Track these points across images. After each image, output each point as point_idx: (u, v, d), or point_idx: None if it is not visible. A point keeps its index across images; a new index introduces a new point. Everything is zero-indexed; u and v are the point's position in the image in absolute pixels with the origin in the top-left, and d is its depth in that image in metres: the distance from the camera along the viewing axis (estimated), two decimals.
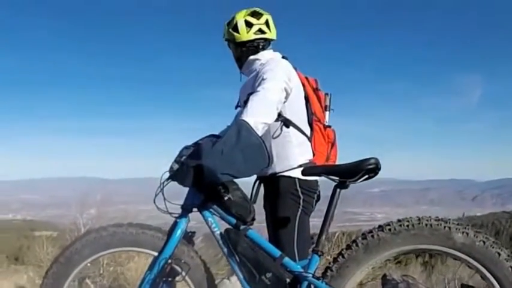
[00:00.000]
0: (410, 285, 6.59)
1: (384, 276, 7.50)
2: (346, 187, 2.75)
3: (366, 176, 2.73)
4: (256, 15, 3.39)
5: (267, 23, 3.39)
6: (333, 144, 3.49)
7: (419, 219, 2.64)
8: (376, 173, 2.73)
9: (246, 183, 3.27)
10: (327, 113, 3.49)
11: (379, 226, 2.71)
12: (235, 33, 3.40)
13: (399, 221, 2.68)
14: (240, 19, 3.38)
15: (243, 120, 2.86)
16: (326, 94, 3.51)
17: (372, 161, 2.67)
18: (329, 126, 3.48)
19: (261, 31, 3.37)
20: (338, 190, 2.76)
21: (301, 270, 2.78)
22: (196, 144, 2.91)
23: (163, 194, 2.93)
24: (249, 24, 3.36)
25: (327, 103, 3.49)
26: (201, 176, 2.73)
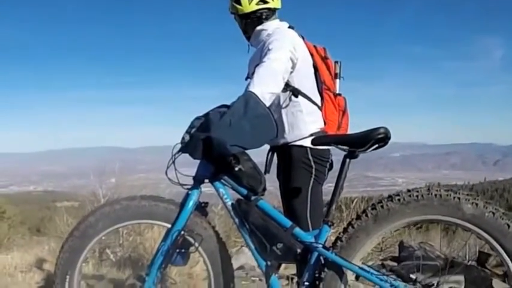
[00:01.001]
0: (427, 252, 6.61)
1: (401, 243, 7.53)
2: (355, 157, 2.74)
3: (376, 146, 2.71)
4: None
5: None
6: (344, 112, 3.48)
7: (428, 189, 2.62)
8: (386, 143, 2.71)
9: (261, 153, 3.30)
10: (337, 81, 3.48)
11: (389, 196, 2.70)
12: (237, 6, 3.40)
13: (409, 191, 2.67)
14: None
15: (250, 91, 2.88)
16: (336, 62, 3.49)
17: (382, 130, 2.64)
18: (339, 95, 3.46)
19: (263, 1, 3.35)
20: (348, 160, 2.75)
21: (312, 240, 2.79)
22: (206, 116, 2.92)
23: (174, 165, 2.95)
24: None
25: (337, 71, 3.48)
26: (210, 148, 2.74)
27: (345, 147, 2.74)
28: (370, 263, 6.14)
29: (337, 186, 2.75)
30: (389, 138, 2.67)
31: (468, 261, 6.28)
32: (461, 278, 4.91)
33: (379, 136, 2.64)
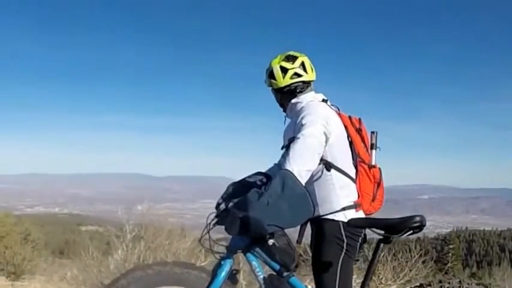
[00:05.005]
0: None
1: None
2: (389, 242, 2.78)
3: (410, 232, 2.74)
4: (290, 59, 3.42)
5: (302, 65, 3.41)
6: (379, 184, 3.46)
7: (460, 282, 2.64)
8: (421, 230, 2.74)
9: None
10: (373, 151, 3.46)
11: (420, 285, 2.73)
12: (272, 80, 3.44)
13: (440, 281, 2.69)
14: (275, 65, 3.42)
15: (287, 170, 2.92)
16: (372, 132, 3.49)
17: (417, 219, 2.70)
18: (374, 166, 3.44)
19: (297, 74, 3.39)
20: (381, 245, 2.78)
21: None
22: (243, 186, 2.98)
23: (209, 234, 3.01)
24: (284, 70, 3.39)
25: (373, 141, 3.47)
26: (247, 226, 2.79)
27: (380, 232, 2.77)
28: None
29: (369, 271, 2.79)
30: (424, 225, 2.71)
31: None
32: None
33: (415, 224, 2.69)
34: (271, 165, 3.59)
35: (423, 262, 10.76)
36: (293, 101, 3.43)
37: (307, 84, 3.45)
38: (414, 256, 10.49)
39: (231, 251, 3.03)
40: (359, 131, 3.44)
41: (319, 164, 3.21)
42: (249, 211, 2.78)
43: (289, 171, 2.90)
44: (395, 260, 10.26)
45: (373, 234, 3.00)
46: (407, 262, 10.40)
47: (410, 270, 10.26)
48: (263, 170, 3.47)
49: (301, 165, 2.98)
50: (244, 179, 3.25)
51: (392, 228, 2.74)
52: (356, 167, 3.36)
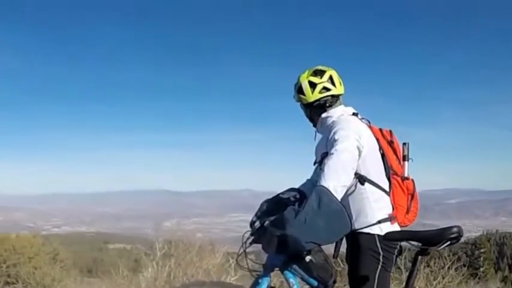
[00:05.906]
0: None
1: None
2: (427, 254, 2.77)
3: (448, 243, 2.73)
4: (318, 73, 3.42)
5: (331, 79, 3.41)
6: (413, 196, 3.45)
7: None
8: (458, 241, 2.74)
9: None
10: (406, 163, 3.44)
11: None
12: (301, 96, 3.45)
13: None
14: (304, 80, 3.42)
15: (323, 186, 2.92)
16: (404, 144, 3.47)
17: (455, 229, 2.69)
18: (407, 178, 3.42)
19: (325, 89, 3.39)
20: (419, 258, 2.77)
21: None
22: (277, 202, 3.00)
23: (245, 253, 3.02)
24: (312, 85, 3.39)
25: (405, 153, 3.45)
26: (285, 244, 2.79)
27: (417, 244, 2.76)
28: None
29: (408, 284, 2.77)
30: (461, 236, 2.71)
31: None
32: None
33: (452, 236, 2.69)
34: (299, 178, 3.60)
35: (456, 269, 10.68)
36: (323, 115, 3.44)
37: (336, 98, 3.45)
38: (447, 263, 10.42)
39: (267, 269, 3.05)
40: (391, 143, 3.44)
41: (353, 178, 3.21)
42: (287, 229, 2.79)
43: (325, 187, 2.91)
44: (427, 266, 10.20)
45: (405, 243, 3.00)
46: (439, 270, 10.33)
47: (443, 278, 10.20)
48: (288, 182, 3.49)
49: (337, 180, 2.98)
50: (277, 195, 3.26)
51: (430, 240, 2.74)
52: (389, 180, 3.35)
